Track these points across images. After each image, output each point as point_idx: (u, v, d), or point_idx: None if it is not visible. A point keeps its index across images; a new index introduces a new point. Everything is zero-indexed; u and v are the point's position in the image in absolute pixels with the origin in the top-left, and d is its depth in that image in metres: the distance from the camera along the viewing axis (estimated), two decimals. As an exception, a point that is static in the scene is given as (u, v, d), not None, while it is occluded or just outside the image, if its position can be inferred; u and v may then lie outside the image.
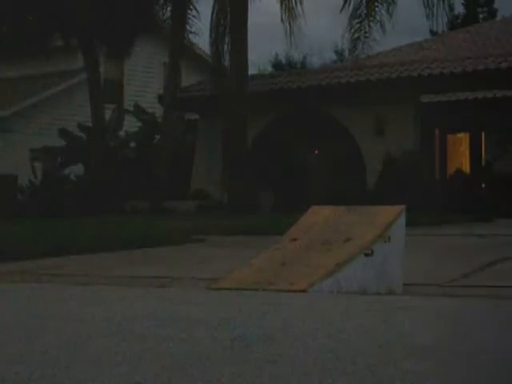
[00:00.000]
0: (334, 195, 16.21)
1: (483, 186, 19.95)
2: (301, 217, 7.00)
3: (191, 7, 21.34)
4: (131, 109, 24.16)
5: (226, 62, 20.10)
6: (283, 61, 44.82)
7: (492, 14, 43.74)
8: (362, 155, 19.69)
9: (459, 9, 42.70)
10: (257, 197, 18.90)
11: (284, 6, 19.89)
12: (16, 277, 7.10)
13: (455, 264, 7.58)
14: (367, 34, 19.37)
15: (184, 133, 23.12)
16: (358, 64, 20.50)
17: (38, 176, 22.08)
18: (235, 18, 19.16)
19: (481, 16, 43.44)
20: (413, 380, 2.69)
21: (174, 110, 21.49)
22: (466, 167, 22.02)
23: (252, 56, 48.96)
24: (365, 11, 19.31)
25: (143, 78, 27.94)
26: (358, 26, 19.40)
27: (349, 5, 19.32)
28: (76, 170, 22.18)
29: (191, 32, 21.52)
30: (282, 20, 19.84)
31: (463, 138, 22.85)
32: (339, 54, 43.32)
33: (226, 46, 20.14)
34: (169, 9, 21.67)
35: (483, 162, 21.51)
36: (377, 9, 19.30)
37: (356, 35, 19.42)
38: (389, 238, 6.31)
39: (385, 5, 19.15)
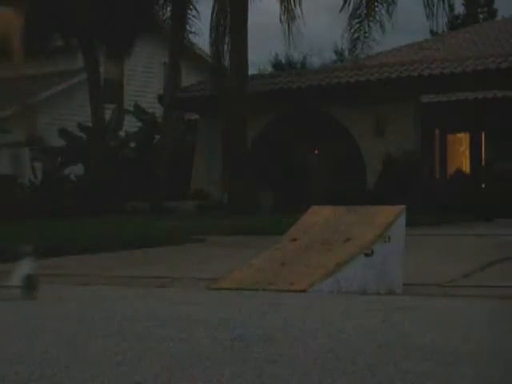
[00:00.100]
0: (334, 195, 16.21)
1: (483, 186, 19.95)
2: (301, 217, 7.00)
3: (191, 7, 21.35)
4: (131, 109, 24.15)
5: (226, 62, 20.09)
6: (283, 61, 44.80)
7: (492, 14, 43.73)
8: (362, 155, 19.69)
9: (459, 9, 42.73)
10: (257, 197, 18.89)
11: (283, 6, 19.90)
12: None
13: (455, 264, 7.58)
14: (367, 34, 19.37)
15: (184, 133, 23.12)
16: (358, 64, 20.50)
17: (38, 176, 22.07)
18: (235, 18, 19.16)
19: (481, 16, 43.43)
20: (413, 380, 2.69)
21: (174, 110, 21.49)
22: (466, 167, 22.02)
23: (252, 56, 48.93)
24: (364, 11, 19.30)
25: (143, 78, 27.93)
26: (357, 25, 19.40)
27: (348, 5, 19.33)
28: (76, 169, 22.18)
29: (191, 32, 21.54)
30: (280, 20, 19.89)
31: (463, 137, 22.85)
32: (339, 54, 43.30)
33: (226, 46, 20.14)
34: (169, 9, 21.67)
35: (483, 162, 21.51)
36: (376, 9, 19.30)
37: (356, 35, 19.42)
38: (389, 237, 6.32)
39: (385, 5, 19.15)
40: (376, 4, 19.28)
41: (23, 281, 5.04)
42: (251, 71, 22.21)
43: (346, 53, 24.55)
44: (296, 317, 4.33)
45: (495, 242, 9.80)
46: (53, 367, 2.89)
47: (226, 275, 6.32)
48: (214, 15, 20.44)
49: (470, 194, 18.05)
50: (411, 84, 19.12)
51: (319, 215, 6.90)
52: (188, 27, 21.31)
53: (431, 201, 16.93)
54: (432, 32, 33.47)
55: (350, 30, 19.41)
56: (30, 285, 5.05)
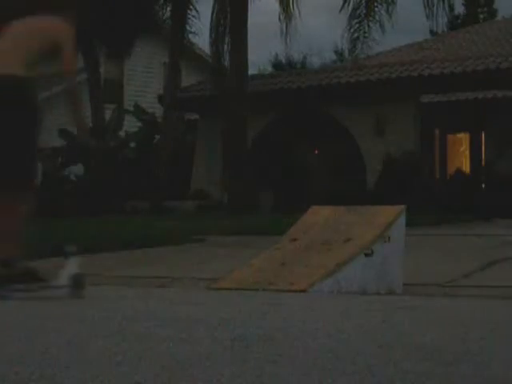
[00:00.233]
0: (334, 195, 16.23)
1: (483, 186, 19.94)
2: (301, 217, 7.01)
3: (191, 7, 21.35)
4: (131, 109, 24.15)
5: (226, 62, 20.10)
6: (283, 61, 44.82)
7: (492, 14, 43.74)
8: (362, 155, 19.69)
9: (459, 9, 42.74)
10: (257, 197, 18.89)
11: (283, 6, 19.93)
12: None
13: (455, 264, 7.58)
14: (367, 34, 19.38)
15: (184, 133, 23.12)
16: (358, 64, 20.50)
17: (38, 176, 22.07)
18: (235, 18, 19.16)
19: (481, 16, 43.43)
20: (413, 380, 2.69)
21: (174, 110, 21.49)
22: (466, 167, 22.01)
23: (252, 56, 48.96)
24: (364, 11, 19.31)
25: (143, 78, 27.93)
26: (357, 25, 19.40)
27: (348, 5, 19.34)
28: (76, 169, 22.17)
29: (191, 32, 21.55)
30: (279, 20, 19.92)
31: (463, 137, 22.85)
32: (339, 54, 43.33)
33: (226, 46, 20.15)
34: (169, 9, 21.68)
35: (483, 162, 21.51)
36: (376, 9, 19.30)
37: (355, 35, 19.42)
38: (389, 237, 6.32)
39: (384, 5, 19.15)
40: (375, 4, 19.29)
41: (71, 280, 5.12)
42: (251, 71, 22.24)
43: (346, 53, 24.54)
44: (296, 317, 4.33)
45: (495, 242, 9.80)
46: (53, 367, 2.88)
47: (225, 275, 6.32)
48: (214, 15, 20.45)
49: (470, 193, 18.05)
50: (411, 84, 19.13)
51: (319, 215, 6.91)
52: (188, 27, 21.34)
53: (431, 201, 16.93)
54: (432, 32, 33.50)
55: (350, 30, 19.43)
56: (78, 284, 5.13)
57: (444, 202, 17.23)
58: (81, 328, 3.91)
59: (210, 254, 9.01)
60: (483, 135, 21.98)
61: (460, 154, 22.83)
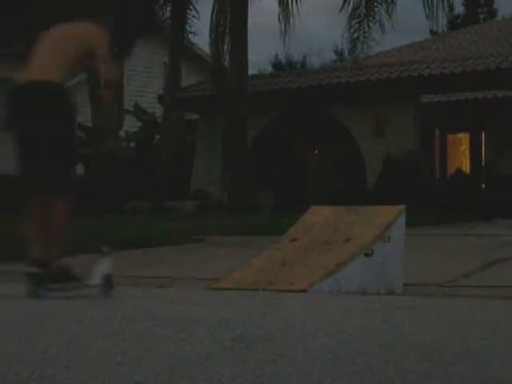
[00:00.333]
0: (334, 195, 16.22)
1: (483, 186, 19.94)
2: (301, 217, 7.01)
3: (191, 7, 21.34)
4: (131, 109, 24.15)
5: (226, 62, 20.10)
6: (283, 61, 44.83)
7: (492, 14, 43.74)
8: (362, 155, 19.69)
9: (459, 9, 42.76)
10: (257, 197, 18.89)
11: (282, 6, 19.93)
12: (17, 277, 7.09)
13: (455, 264, 7.58)
14: (366, 34, 19.36)
15: (184, 133, 23.12)
16: (358, 64, 20.48)
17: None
18: (235, 18, 19.16)
19: (481, 16, 43.43)
20: (413, 380, 2.69)
21: (174, 110, 21.48)
22: (466, 167, 22.01)
23: (252, 56, 48.98)
24: (364, 11, 19.29)
25: (143, 78, 27.92)
26: (357, 26, 19.38)
27: (348, 5, 19.31)
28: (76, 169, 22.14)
29: (191, 32, 21.52)
30: (279, 19, 19.92)
31: (463, 137, 22.85)
32: (339, 54, 43.34)
33: (226, 46, 20.15)
34: (168, 9, 21.67)
35: (483, 162, 21.50)
36: (376, 9, 19.28)
37: (355, 35, 19.40)
38: (389, 238, 6.32)
39: (384, 5, 19.13)
40: (375, 4, 19.27)
41: (103, 280, 5.28)
42: (251, 71, 22.24)
43: (346, 53, 24.55)
44: (296, 317, 4.33)
45: (495, 242, 9.80)
46: (53, 367, 2.88)
47: (225, 275, 6.32)
48: (214, 15, 20.44)
49: (470, 194, 18.04)
50: (411, 84, 19.12)
51: (319, 215, 6.91)
52: (188, 27, 21.32)
53: (431, 201, 16.92)
54: (432, 32, 33.52)
55: (350, 30, 19.40)
56: (110, 283, 5.31)
57: (444, 201, 17.22)
58: (81, 328, 3.91)
59: (210, 254, 9.01)
60: (483, 135, 21.98)
61: (460, 154, 22.83)
